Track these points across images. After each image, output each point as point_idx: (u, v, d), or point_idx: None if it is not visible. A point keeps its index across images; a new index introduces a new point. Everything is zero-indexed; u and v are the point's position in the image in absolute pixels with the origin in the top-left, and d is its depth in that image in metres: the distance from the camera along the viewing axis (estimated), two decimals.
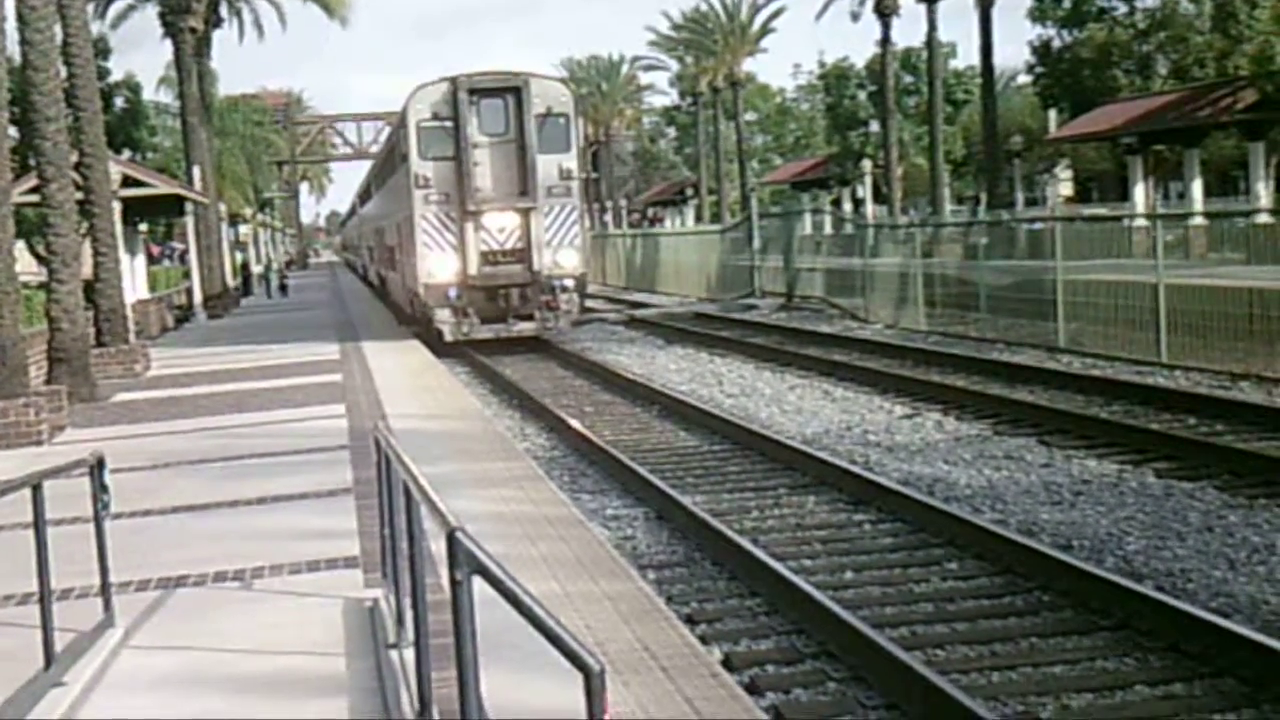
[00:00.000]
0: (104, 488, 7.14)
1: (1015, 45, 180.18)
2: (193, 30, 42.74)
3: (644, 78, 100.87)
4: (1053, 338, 23.01)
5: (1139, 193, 37.53)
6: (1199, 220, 29.41)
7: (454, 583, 3.71)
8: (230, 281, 49.80)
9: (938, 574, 9.68)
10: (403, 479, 5.71)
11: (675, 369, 23.95)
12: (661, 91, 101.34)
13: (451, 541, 3.73)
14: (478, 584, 3.59)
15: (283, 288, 55.60)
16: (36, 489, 6.23)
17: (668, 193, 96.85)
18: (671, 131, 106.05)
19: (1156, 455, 13.31)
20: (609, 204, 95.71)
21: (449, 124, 26.95)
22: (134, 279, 32.14)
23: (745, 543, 10.11)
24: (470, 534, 3.69)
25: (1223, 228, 26.76)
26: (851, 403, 18.57)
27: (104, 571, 7.12)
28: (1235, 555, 9.76)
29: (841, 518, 11.62)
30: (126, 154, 44.65)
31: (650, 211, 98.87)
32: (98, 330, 22.61)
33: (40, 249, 28.55)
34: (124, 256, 26.58)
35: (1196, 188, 36.04)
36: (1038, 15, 45.59)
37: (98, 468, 7.08)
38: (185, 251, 44.43)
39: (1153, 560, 9.77)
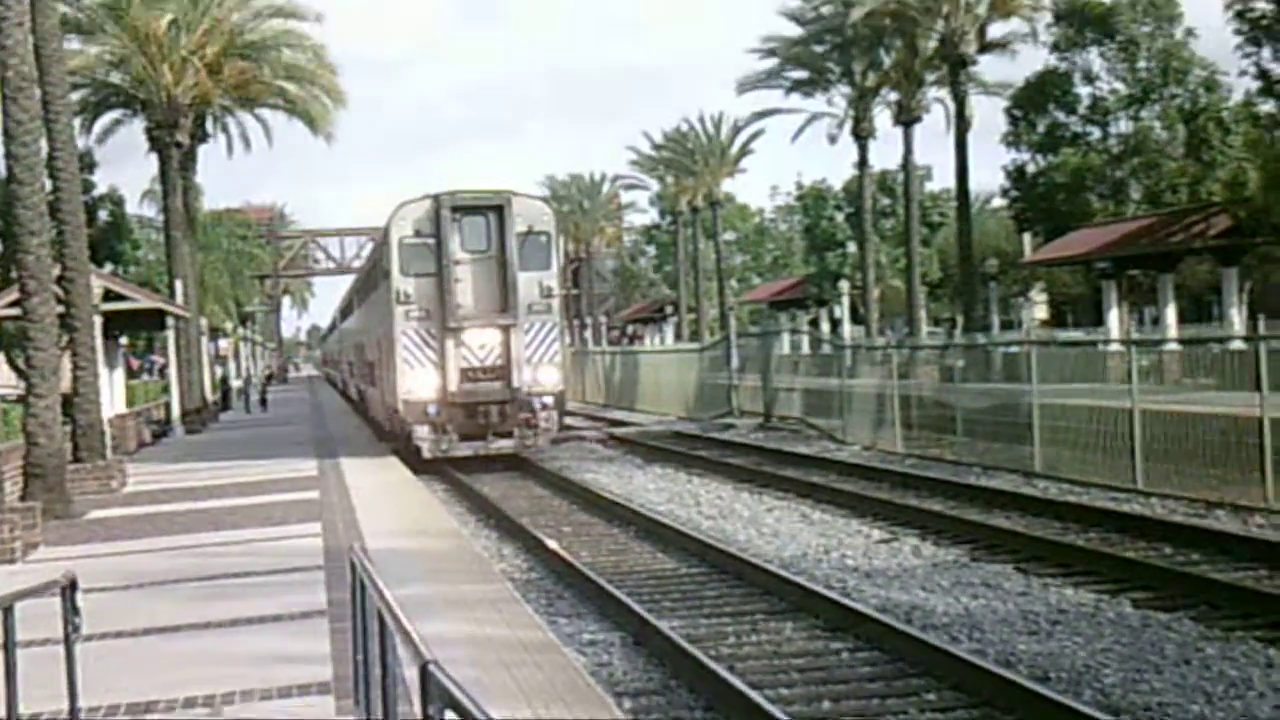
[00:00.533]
0: (75, 610, 7.09)
1: (990, 168, 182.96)
2: (179, 145, 43.15)
3: (625, 196, 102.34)
4: (1029, 462, 23.06)
5: (1113, 317, 37.94)
6: (1173, 346, 29.69)
7: (426, 718, 3.71)
8: (209, 396, 49.74)
9: (915, 704, 9.61)
10: (377, 606, 5.69)
11: (654, 489, 23.91)
12: (641, 210, 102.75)
13: (424, 675, 3.73)
14: (451, 717, 3.59)
15: (263, 402, 55.58)
16: (8, 611, 6.20)
17: (647, 310, 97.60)
18: (651, 249, 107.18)
19: (1133, 585, 13.31)
20: (589, 320, 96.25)
21: (431, 241, 27.17)
22: (112, 393, 32.10)
23: (722, 670, 10.03)
24: (443, 666, 3.69)
25: (1197, 353, 27.02)
26: (829, 526, 18.54)
27: (73, 696, 7.05)
28: (1212, 689, 9.72)
29: (819, 645, 11.56)
30: (109, 267, 44.88)
31: (630, 329, 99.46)
32: (75, 445, 22.50)
33: (20, 362, 28.52)
34: (103, 371, 26.56)
35: (1170, 313, 36.43)
36: (1012, 140, 46.42)
37: (69, 589, 7.04)
38: (165, 365, 44.44)
39: (1130, 693, 9.72)
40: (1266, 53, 32.04)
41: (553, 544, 16.79)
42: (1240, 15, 31.92)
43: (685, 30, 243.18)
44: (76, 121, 37.07)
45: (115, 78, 43.49)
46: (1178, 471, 19.59)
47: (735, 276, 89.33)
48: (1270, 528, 16.49)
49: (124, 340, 40.52)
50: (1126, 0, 43.19)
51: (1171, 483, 19.52)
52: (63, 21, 35.88)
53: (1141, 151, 42.97)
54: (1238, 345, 25.40)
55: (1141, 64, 43.37)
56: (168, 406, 39.97)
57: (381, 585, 5.58)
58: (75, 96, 38.08)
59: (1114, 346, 28.32)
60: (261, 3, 44.51)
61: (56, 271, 21.43)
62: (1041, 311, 58.73)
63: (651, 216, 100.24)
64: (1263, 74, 32.42)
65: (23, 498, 18.71)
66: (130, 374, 45.49)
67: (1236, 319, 33.73)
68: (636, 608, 12.52)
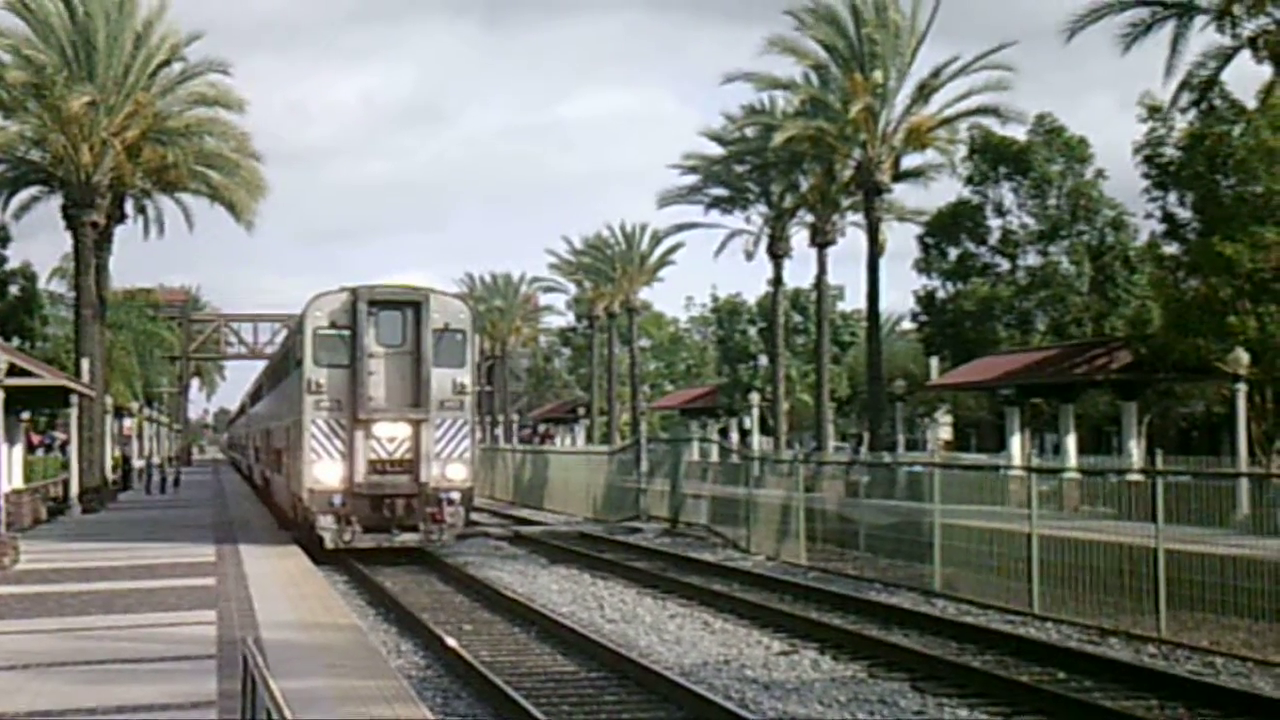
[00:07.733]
0: None
1: (902, 290, 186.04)
2: (94, 225, 42.73)
3: (543, 299, 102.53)
4: (929, 581, 23.29)
5: (1015, 443, 38.56)
6: (1073, 474, 30.21)
7: None
8: (110, 475, 48.82)
9: None
10: (266, 706, 5.66)
11: (557, 589, 23.82)
12: (558, 312, 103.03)
13: None
14: None
15: (172, 481, 54.88)
16: None
17: (560, 411, 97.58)
18: (566, 351, 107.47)
19: (1027, 709, 13.47)
20: (501, 418, 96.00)
21: (346, 333, 27.17)
22: (10, 468, 31.46)
23: None
24: None
25: (1095, 483, 27.54)
26: (730, 635, 18.58)
27: None
28: None
29: None
30: (16, 342, 44.15)
31: (542, 428, 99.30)
32: None
33: None
34: (2, 445, 26.06)
35: (1071, 441, 37.09)
36: (923, 266, 47.30)
37: None
38: (66, 442, 43.62)
39: None
40: (1172, 197, 33.09)
41: (451, 641, 16.67)
42: (1149, 160, 33.04)
43: (613, 142, 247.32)
44: None
45: (35, 155, 43.14)
46: (1073, 597, 19.89)
47: (648, 382, 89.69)
48: (1162, 658, 16.76)
49: (25, 415, 39.76)
50: (1040, 139, 44.52)
51: (1067, 608, 19.81)
52: None
53: (1048, 285, 43.98)
54: (1135, 477, 25.96)
55: (1052, 201, 44.55)
56: (66, 484, 39.18)
57: (272, 682, 5.55)
58: None
59: (1015, 472, 28.77)
60: (186, 90, 44.47)
61: None
62: (946, 433, 59.52)
63: (568, 319, 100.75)
64: (1168, 217, 33.43)
65: None
66: (30, 449, 44.59)
67: (1135, 451, 34.41)
68: (534, 710, 12.46)
